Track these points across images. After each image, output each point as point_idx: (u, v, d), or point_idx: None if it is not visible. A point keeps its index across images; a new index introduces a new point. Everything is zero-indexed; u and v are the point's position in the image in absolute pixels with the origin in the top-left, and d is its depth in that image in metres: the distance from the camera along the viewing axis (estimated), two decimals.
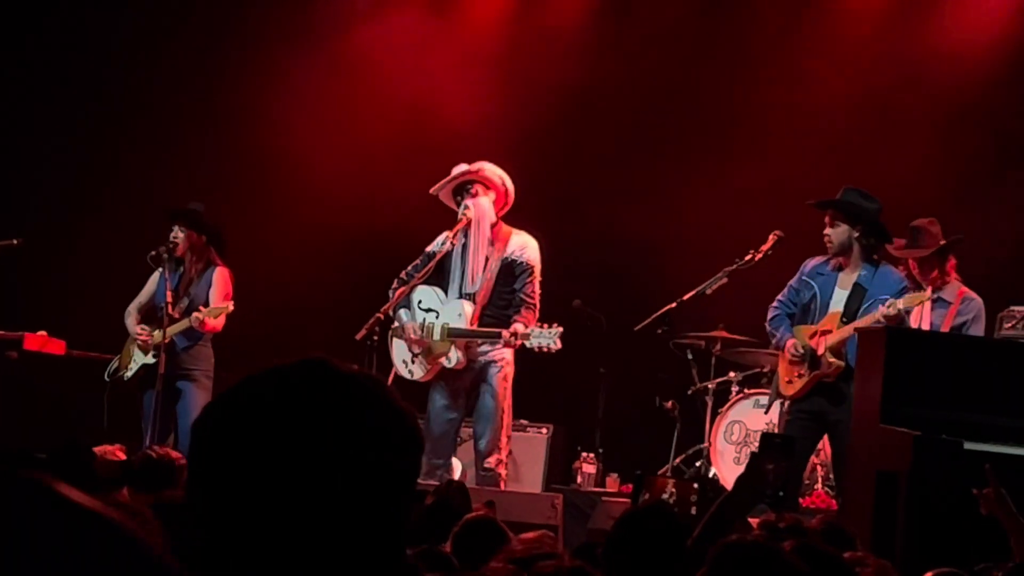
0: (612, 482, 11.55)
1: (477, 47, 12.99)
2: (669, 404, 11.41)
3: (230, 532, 1.69)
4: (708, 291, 9.83)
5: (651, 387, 11.62)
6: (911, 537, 6.88)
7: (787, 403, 9.19)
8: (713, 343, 11.35)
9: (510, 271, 9.44)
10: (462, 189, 9.52)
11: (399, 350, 9.65)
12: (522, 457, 11.26)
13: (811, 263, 9.23)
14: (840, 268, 9.08)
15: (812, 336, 8.94)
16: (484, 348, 9.41)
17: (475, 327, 9.36)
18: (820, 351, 8.88)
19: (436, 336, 9.42)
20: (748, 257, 9.72)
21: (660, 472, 10.99)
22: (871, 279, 8.97)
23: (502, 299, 9.43)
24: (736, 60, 12.78)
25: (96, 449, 6.76)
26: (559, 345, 9.09)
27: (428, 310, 9.55)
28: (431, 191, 9.62)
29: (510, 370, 9.44)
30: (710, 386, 11.38)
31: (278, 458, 1.68)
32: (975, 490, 5.64)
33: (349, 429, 1.71)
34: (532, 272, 9.43)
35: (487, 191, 9.49)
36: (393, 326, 9.64)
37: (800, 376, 8.98)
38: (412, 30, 13.11)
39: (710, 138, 12.57)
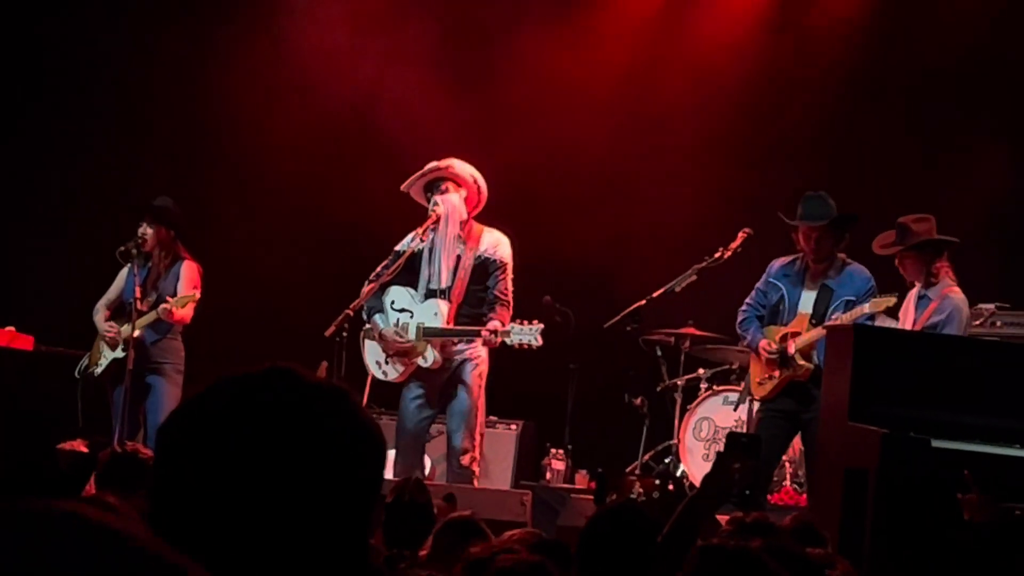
0: (581, 478, 11.56)
1: (442, 37, 12.95)
2: (638, 401, 11.43)
3: (194, 539, 1.69)
4: (677, 288, 9.87)
5: (620, 384, 11.64)
6: (879, 534, 6.90)
7: (759, 402, 9.21)
8: (682, 340, 11.38)
9: (483, 269, 9.41)
10: (433, 186, 9.49)
11: (372, 351, 9.60)
12: (491, 453, 11.25)
13: (776, 264, 9.26)
14: (806, 268, 9.10)
15: (782, 338, 8.97)
16: (460, 347, 9.38)
17: (451, 326, 9.33)
18: (790, 352, 8.91)
19: (411, 336, 9.38)
20: (717, 255, 9.75)
21: (629, 469, 11.02)
22: (838, 280, 9.00)
23: (475, 297, 9.41)
24: (704, 55, 12.79)
25: (64, 445, 6.75)
26: (540, 342, 9.05)
27: (402, 310, 9.49)
28: (401, 187, 9.58)
29: (485, 368, 9.41)
30: (679, 383, 11.41)
31: (242, 466, 1.70)
32: (959, 495, 5.66)
33: (313, 437, 1.72)
34: (505, 269, 9.41)
35: (458, 188, 9.45)
36: (365, 327, 9.60)
37: (771, 378, 9.01)
38: (377, 20, 13.06)
39: (678, 134, 12.58)
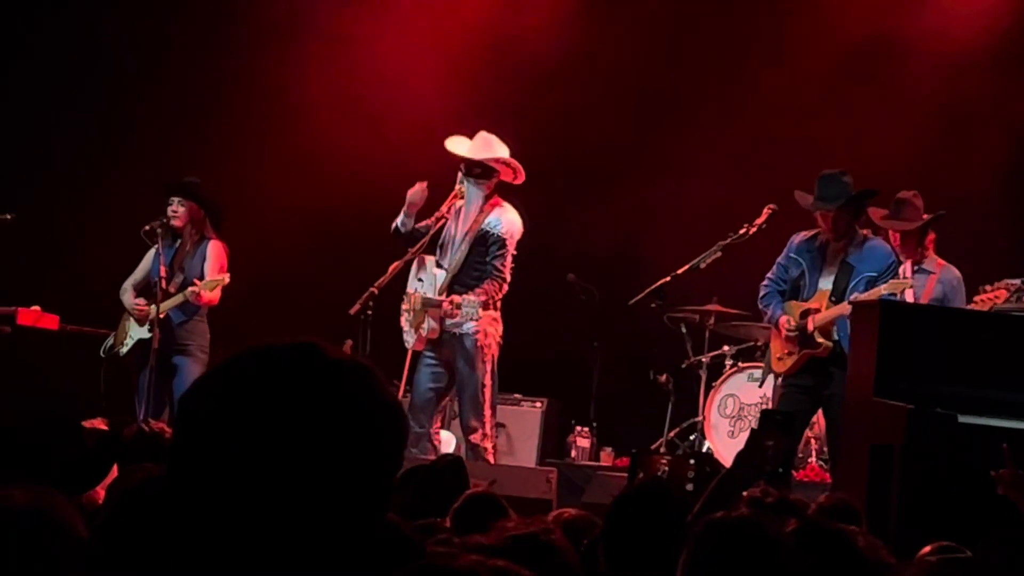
0: (606, 456, 11.58)
1: (468, 21, 12.92)
2: (663, 378, 11.42)
3: (211, 507, 1.72)
4: (702, 265, 9.85)
5: (645, 361, 11.63)
6: (905, 510, 6.89)
7: (780, 377, 9.20)
8: (707, 317, 11.37)
9: (483, 242, 9.47)
10: (471, 165, 9.54)
11: (404, 320, 9.73)
12: (516, 431, 11.29)
13: (797, 239, 9.23)
14: (827, 243, 9.07)
15: (802, 314, 8.95)
16: (456, 320, 9.38)
17: (443, 296, 9.41)
18: (810, 329, 8.88)
19: (418, 306, 9.50)
20: (742, 231, 9.73)
21: (654, 446, 11.03)
22: (859, 256, 8.97)
23: (475, 270, 9.47)
24: (726, 32, 12.75)
25: (85, 423, 6.76)
26: (479, 315, 9.17)
27: (420, 280, 9.64)
28: (448, 142, 9.60)
29: (487, 342, 9.41)
30: (704, 360, 11.40)
31: (262, 437, 1.72)
32: (992, 472, 5.63)
33: (333, 410, 1.74)
34: (504, 245, 9.45)
35: (489, 176, 9.53)
36: (405, 294, 9.72)
37: (790, 354, 8.99)
38: (406, 6, 13.05)
39: (704, 111, 12.54)
